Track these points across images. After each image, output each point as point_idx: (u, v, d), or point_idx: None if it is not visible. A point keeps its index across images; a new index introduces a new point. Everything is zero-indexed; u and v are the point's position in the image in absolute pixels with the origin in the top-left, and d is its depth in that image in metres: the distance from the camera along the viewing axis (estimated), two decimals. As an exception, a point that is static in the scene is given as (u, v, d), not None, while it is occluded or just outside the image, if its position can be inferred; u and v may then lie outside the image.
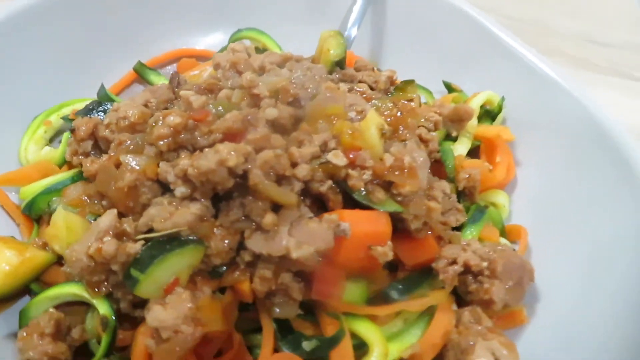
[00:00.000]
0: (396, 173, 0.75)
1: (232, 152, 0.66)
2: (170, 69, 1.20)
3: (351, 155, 0.74)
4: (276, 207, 0.71)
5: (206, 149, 0.69)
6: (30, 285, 0.74)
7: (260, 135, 0.71)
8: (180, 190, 0.70)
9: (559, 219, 0.93)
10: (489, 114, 1.08)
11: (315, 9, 1.26)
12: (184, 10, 1.20)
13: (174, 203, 0.71)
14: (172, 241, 0.68)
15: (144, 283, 0.65)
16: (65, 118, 0.91)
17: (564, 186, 0.95)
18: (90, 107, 0.87)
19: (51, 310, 0.71)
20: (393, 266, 0.83)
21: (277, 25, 1.24)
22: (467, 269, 0.79)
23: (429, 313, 0.80)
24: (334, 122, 0.79)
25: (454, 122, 1.01)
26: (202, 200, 0.71)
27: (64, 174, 0.84)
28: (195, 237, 0.69)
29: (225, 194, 0.72)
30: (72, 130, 0.80)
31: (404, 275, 0.81)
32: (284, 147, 0.73)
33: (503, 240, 0.90)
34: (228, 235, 0.71)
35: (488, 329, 0.75)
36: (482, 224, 0.89)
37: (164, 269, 0.66)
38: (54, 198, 0.79)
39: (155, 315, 0.65)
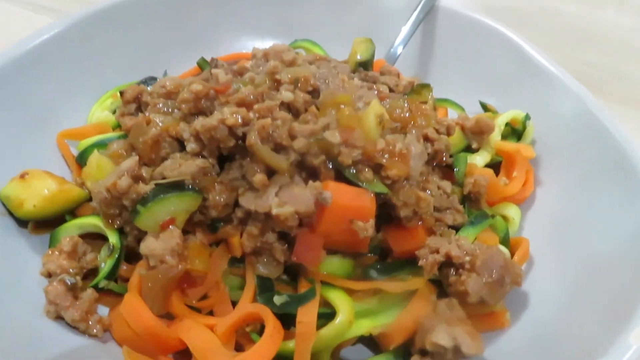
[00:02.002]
0: (385, 156, 0.80)
1: (234, 114, 0.76)
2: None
3: (345, 135, 0.80)
4: (271, 173, 0.79)
5: (215, 112, 0.79)
6: (65, 216, 0.87)
7: (266, 106, 0.80)
8: (191, 146, 0.81)
9: (566, 236, 0.91)
10: (515, 133, 1.09)
11: (367, 28, 1.36)
12: (250, 18, 1.36)
13: (185, 158, 0.81)
14: (176, 187, 0.78)
15: (143, 215, 0.75)
16: (129, 87, 1.06)
17: (578, 207, 0.93)
18: (144, 80, 1.02)
19: (74, 235, 0.83)
20: (384, 254, 0.87)
21: (334, 40, 1.35)
22: (449, 261, 0.80)
23: (408, 300, 0.82)
24: (342, 109, 0.86)
25: (475, 134, 1.03)
26: (209, 158, 0.81)
27: (113, 134, 0.99)
28: (195, 187, 0.78)
29: (229, 156, 0.82)
30: (121, 94, 0.95)
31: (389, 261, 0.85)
32: (287, 121, 0.81)
33: (501, 248, 0.90)
34: (225, 190, 0.80)
35: (457, 318, 0.75)
36: (481, 228, 0.89)
37: (162, 206, 0.76)
38: (100, 150, 0.93)
39: (147, 244, 0.75)
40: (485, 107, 1.16)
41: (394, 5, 1.33)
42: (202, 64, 1.26)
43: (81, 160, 0.96)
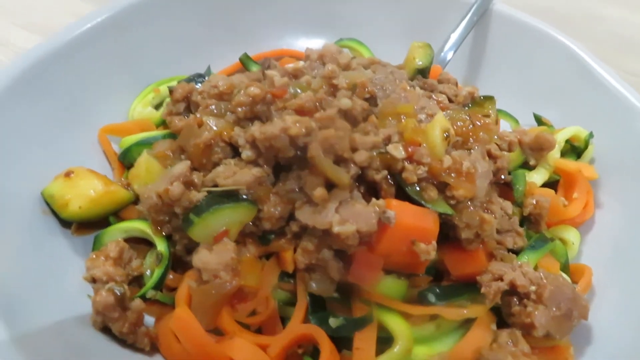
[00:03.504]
0: (452, 175, 0.76)
1: (296, 123, 0.72)
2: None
3: (410, 149, 0.75)
4: (330, 187, 0.75)
5: (275, 119, 0.75)
6: (109, 217, 0.84)
7: (327, 115, 0.75)
8: (247, 153, 0.77)
9: (631, 266, 0.86)
10: (574, 150, 1.03)
11: (418, 29, 1.30)
12: (295, 15, 1.31)
13: (240, 165, 0.78)
14: (230, 196, 0.74)
15: (198, 226, 0.72)
16: (171, 87, 1.03)
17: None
18: (192, 77, 0.98)
19: (119, 239, 0.79)
20: (439, 275, 0.83)
21: (379, 39, 1.30)
22: (513, 289, 0.76)
23: (466, 327, 0.78)
24: (403, 120, 0.82)
25: (534, 150, 0.98)
26: (265, 166, 0.77)
27: (158, 132, 0.95)
28: (250, 198, 0.75)
29: (286, 165, 0.78)
30: (171, 92, 0.91)
31: (447, 284, 0.81)
32: (348, 132, 0.76)
33: (563, 275, 0.85)
34: (281, 202, 0.76)
35: (522, 353, 0.71)
36: (542, 254, 0.85)
37: (216, 217, 0.72)
38: (145, 149, 0.89)
39: (201, 257, 0.71)
40: (539, 121, 1.11)
41: (446, 6, 1.28)
42: (245, 61, 1.22)
43: (124, 158, 0.93)
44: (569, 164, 0.98)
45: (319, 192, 0.72)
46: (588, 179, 0.97)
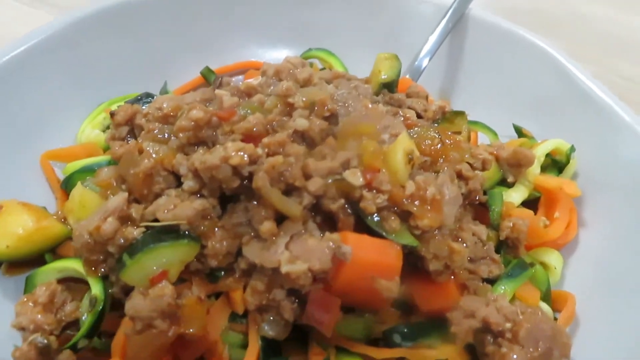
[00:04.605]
0: (416, 203, 0.68)
1: (239, 152, 0.64)
2: (239, 78, 1.23)
3: (368, 176, 0.68)
4: (282, 219, 0.68)
5: (217, 146, 0.68)
6: (45, 255, 0.77)
7: (276, 140, 0.68)
8: (189, 184, 0.69)
9: (618, 292, 0.79)
10: (556, 165, 0.96)
11: (392, 37, 1.23)
12: (260, 26, 1.23)
13: (182, 197, 0.70)
14: (169, 233, 0.67)
15: (131, 268, 0.64)
16: (113, 111, 0.96)
17: (632, 254, 0.81)
18: (139, 97, 0.91)
19: (52, 281, 0.72)
20: (408, 309, 0.76)
21: (351, 48, 1.23)
22: (486, 327, 0.68)
23: (435, 368, 0.70)
24: (364, 141, 0.74)
25: (512, 166, 0.91)
26: (209, 198, 0.70)
27: (104, 157, 0.88)
28: (192, 233, 0.67)
29: (234, 196, 0.71)
30: (112, 115, 0.83)
31: (415, 320, 0.73)
32: (300, 157, 0.69)
33: (543, 306, 0.78)
34: (228, 237, 0.69)
35: (497, 400, 0.64)
36: (520, 282, 0.78)
37: (152, 258, 0.65)
38: (88, 177, 0.82)
39: (133, 303, 0.63)
40: (520, 132, 1.04)
41: (420, 11, 1.21)
42: (207, 74, 1.15)
43: (67, 186, 0.86)
44: (550, 180, 0.91)
45: (266, 226, 0.65)
46: (571, 197, 0.90)
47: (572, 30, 1.71)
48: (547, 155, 0.96)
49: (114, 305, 0.72)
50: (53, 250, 0.78)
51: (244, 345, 0.71)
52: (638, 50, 1.63)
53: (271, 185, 0.65)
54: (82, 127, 0.98)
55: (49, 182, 0.90)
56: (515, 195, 0.90)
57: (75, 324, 0.72)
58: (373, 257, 0.66)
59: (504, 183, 0.93)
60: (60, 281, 0.74)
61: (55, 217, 0.78)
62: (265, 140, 0.68)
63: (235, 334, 0.72)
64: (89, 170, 0.83)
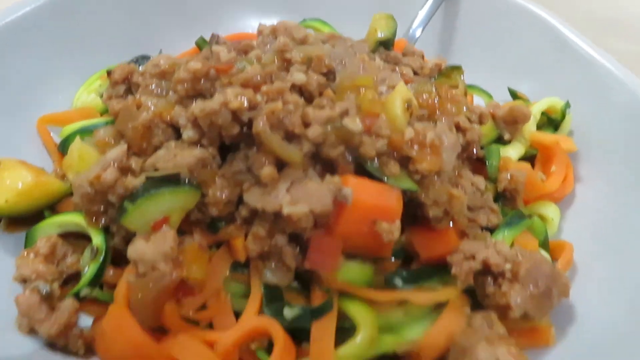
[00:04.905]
0: (415, 148, 0.69)
1: (238, 96, 0.65)
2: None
3: (367, 122, 0.69)
4: (281, 166, 0.68)
5: (217, 94, 0.68)
6: (44, 212, 0.76)
7: (275, 88, 0.69)
8: (188, 133, 0.70)
9: (615, 241, 0.80)
10: (551, 123, 0.97)
11: (385, 7, 1.23)
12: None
13: (182, 147, 0.70)
14: (170, 181, 0.67)
15: (132, 214, 0.64)
16: (109, 69, 0.95)
17: (627, 208, 0.83)
18: (135, 59, 0.91)
19: (52, 235, 0.72)
20: (408, 259, 0.76)
21: (345, 19, 1.23)
22: (486, 269, 0.69)
23: (437, 312, 0.71)
24: (362, 93, 0.75)
25: (508, 124, 0.92)
26: (209, 147, 0.70)
27: (100, 119, 0.88)
28: (193, 181, 0.67)
29: (233, 145, 0.71)
30: (109, 73, 0.83)
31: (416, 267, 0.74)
32: (299, 106, 0.69)
33: (542, 253, 0.79)
34: (228, 185, 0.69)
35: (498, 336, 0.64)
36: (519, 231, 0.78)
37: (153, 203, 0.65)
38: (85, 138, 0.82)
39: (136, 247, 0.64)
40: (514, 95, 1.05)
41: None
42: (201, 44, 1.14)
43: (63, 149, 0.85)
44: (546, 136, 0.92)
45: (267, 171, 0.65)
46: (567, 152, 0.91)
47: (562, 9, 1.72)
48: (543, 114, 0.97)
49: (115, 259, 0.72)
50: (52, 208, 0.77)
51: (246, 295, 0.71)
52: (625, 27, 1.64)
53: (271, 131, 0.66)
54: (77, 94, 0.98)
55: (46, 146, 0.89)
56: (512, 152, 0.91)
57: (76, 276, 0.72)
58: (374, 200, 0.66)
59: (500, 141, 0.94)
60: (61, 237, 0.74)
61: (54, 174, 0.78)
62: (264, 88, 0.68)
63: (237, 284, 0.72)
64: (86, 132, 0.83)
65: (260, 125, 0.65)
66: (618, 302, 0.72)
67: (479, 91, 1.05)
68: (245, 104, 0.64)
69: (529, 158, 0.94)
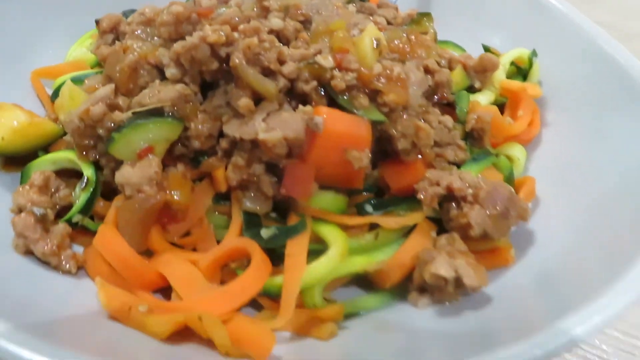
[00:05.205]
0: (383, 81, 0.74)
1: (216, 32, 0.69)
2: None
3: (338, 57, 0.74)
4: (258, 101, 0.73)
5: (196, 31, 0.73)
6: (38, 152, 0.81)
7: (252, 27, 0.74)
8: (171, 71, 0.74)
9: (574, 177, 0.86)
10: (520, 73, 1.02)
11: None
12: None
13: (165, 85, 0.75)
14: (155, 114, 0.72)
15: (119, 142, 0.69)
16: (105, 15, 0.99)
17: (587, 147, 0.88)
18: (125, 13, 0.95)
19: (46, 170, 0.77)
20: (381, 193, 0.82)
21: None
22: (450, 194, 0.74)
23: (406, 238, 0.76)
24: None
25: (478, 72, 0.97)
26: (190, 84, 0.75)
27: (90, 71, 0.92)
28: (175, 114, 0.72)
29: (214, 83, 0.76)
30: (97, 22, 0.88)
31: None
32: (274, 44, 0.74)
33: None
34: (209, 120, 0.74)
35: (459, 251, 0.70)
36: (484, 165, 0.83)
37: (139, 133, 0.70)
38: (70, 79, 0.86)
39: (122, 172, 0.69)
40: (487, 50, 1.10)
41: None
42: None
43: (56, 97, 0.90)
44: (513, 83, 0.97)
45: (244, 101, 0.70)
46: (533, 97, 0.96)
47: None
48: (513, 64, 1.02)
49: (104, 193, 0.78)
50: (45, 149, 0.82)
51: (228, 226, 0.75)
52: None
53: (247, 66, 0.71)
54: (69, 51, 1.03)
55: (39, 97, 0.94)
56: (482, 98, 0.96)
57: (68, 209, 0.77)
58: (344, 129, 0.71)
59: (472, 90, 0.99)
60: (55, 173, 0.79)
61: (47, 117, 0.83)
62: (241, 27, 0.73)
63: (219, 215, 0.77)
64: (77, 81, 0.87)
65: (237, 59, 0.70)
66: (572, 228, 0.77)
67: (453, 46, 1.09)
68: (224, 38, 0.69)
69: (499, 106, 0.99)
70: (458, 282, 0.66)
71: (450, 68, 0.90)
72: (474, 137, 0.89)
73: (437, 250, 0.70)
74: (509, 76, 1.02)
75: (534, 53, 0.99)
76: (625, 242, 0.65)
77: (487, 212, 0.71)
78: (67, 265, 0.68)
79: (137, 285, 0.67)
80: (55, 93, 0.90)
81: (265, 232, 0.70)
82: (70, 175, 0.81)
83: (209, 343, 0.60)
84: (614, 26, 1.47)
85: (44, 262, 0.69)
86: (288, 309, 0.64)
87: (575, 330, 0.51)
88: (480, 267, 0.68)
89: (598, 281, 0.58)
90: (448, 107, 0.91)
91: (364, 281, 0.76)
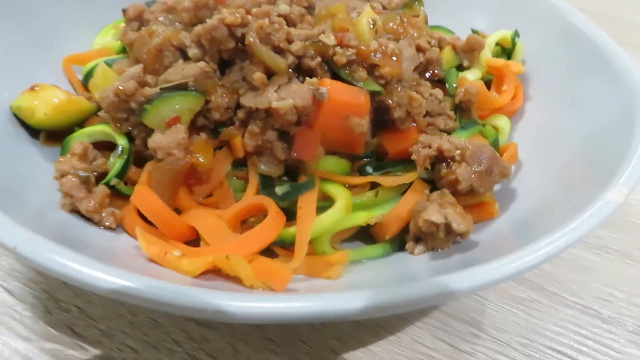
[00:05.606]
0: (379, 56, 0.84)
1: (232, 14, 0.80)
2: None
3: (340, 35, 0.84)
4: (269, 76, 0.83)
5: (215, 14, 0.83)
6: (75, 128, 0.92)
7: (263, 10, 0.84)
8: (193, 51, 0.85)
9: (552, 142, 0.96)
10: (505, 52, 1.12)
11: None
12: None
13: (188, 64, 0.85)
14: (180, 88, 0.82)
15: (150, 113, 0.79)
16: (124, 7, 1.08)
17: (563, 112, 0.98)
18: (147, 3, 1.05)
19: (84, 141, 0.87)
20: (379, 159, 0.92)
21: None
22: (440, 156, 0.84)
23: (402, 195, 0.86)
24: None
25: (466, 52, 1.07)
26: (210, 62, 0.85)
27: (117, 56, 1.02)
28: (198, 88, 0.83)
29: (231, 62, 0.86)
30: (124, 11, 0.98)
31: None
32: (283, 25, 0.84)
33: (490, 148, 0.94)
34: (227, 93, 0.84)
35: (448, 202, 0.80)
36: (472, 133, 0.94)
37: (167, 104, 0.80)
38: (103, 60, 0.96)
39: (154, 138, 0.79)
40: (475, 33, 1.19)
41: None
42: None
43: (87, 81, 1.00)
44: (498, 61, 1.07)
45: (258, 75, 0.81)
46: (516, 73, 1.06)
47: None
48: (498, 45, 1.12)
49: (136, 162, 0.88)
50: (81, 125, 0.92)
51: (245, 190, 0.86)
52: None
53: (260, 43, 0.81)
54: (95, 40, 1.13)
55: (71, 82, 1.04)
56: (470, 75, 1.06)
57: (104, 176, 0.87)
58: (346, 98, 0.81)
59: (460, 69, 1.09)
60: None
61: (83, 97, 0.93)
62: (254, 10, 0.84)
63: (237, 180, 0.87)
64: (106, 64, 0.98)
65: (251, 38, 0.80)
66: (549, 183, 0.87)
67: (444, 30, 1.19)
68: (239, 20, 0.79)
69: (486, 83, 1.10)
70: (448, 229, 0.76)
71: (440, 48, 1.00)
72: (462, 109, 0.99)
73: (429, 201, 0.80)
74: (495, 55, 1.12)
75: (516, 33, 1.10)
76: (587, 189, 0.75)
77: (473, 168, 0.82)
78: (108, 222, 0.78)
79: (171, 236, 0.77)
80: (86, 77, 1.00)
81: (279, 189, 0.80)
82: (104, 147, 0.91)
83: (236, 280, 0.70)
84: (594, 11, 1.57)
85: (88, 218, 0.79)
86: (301, 252, 0.74)
87: (543, 250, 0.61)
88: (467, 215, 0.78)
89: (563, 218, 0.68)
90: (439, 84, 1.02)
91: (366, 236, 0.87)
